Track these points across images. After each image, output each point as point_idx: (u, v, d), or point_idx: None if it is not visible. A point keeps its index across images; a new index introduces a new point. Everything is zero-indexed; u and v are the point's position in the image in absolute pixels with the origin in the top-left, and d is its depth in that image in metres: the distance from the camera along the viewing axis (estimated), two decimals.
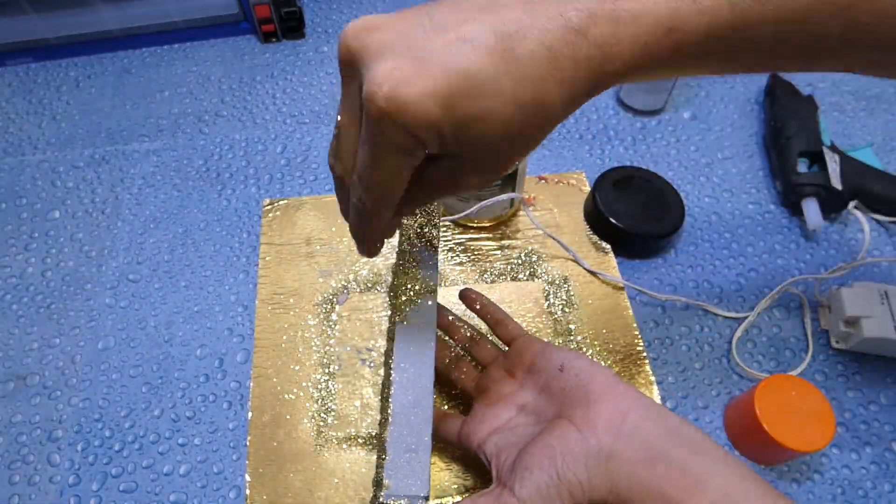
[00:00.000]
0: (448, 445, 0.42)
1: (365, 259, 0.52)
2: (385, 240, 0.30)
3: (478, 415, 0.37)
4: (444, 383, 0.44)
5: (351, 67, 0.23)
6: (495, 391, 0.38)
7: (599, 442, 0.29)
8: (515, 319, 0.42)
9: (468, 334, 0.42)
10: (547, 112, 0.23)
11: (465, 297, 0.43)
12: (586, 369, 0.33)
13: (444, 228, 0.54)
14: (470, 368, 0.41)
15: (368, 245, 0.30)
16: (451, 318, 0.42)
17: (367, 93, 0.21)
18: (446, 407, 0.45)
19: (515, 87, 0.22)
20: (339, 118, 0.25)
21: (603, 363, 0.46)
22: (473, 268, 0.52)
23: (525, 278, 0.51)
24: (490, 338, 0.42)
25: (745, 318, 0.49)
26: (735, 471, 0.28)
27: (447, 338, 0.42)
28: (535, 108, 0.22)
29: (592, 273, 0.51)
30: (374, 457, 0.42)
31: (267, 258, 0.52)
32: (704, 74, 0.31)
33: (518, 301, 0.50)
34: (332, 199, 0.56)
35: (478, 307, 0.42)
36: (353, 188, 0.26)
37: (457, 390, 0.43)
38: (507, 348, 0.40)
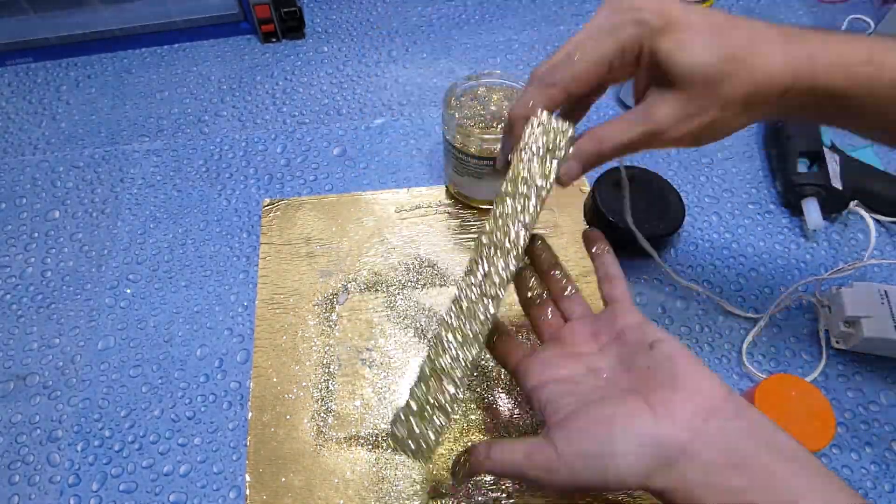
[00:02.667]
0: (498, 364, 0.42)
1: (365, 259, 0.52)
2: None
3: (544, 358, 0.34)
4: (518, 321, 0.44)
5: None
6: (571, 345, 0.35)
7: (675, 434, 0.27)
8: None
9: (563, 284, 0.38)
10: (751, 74, 0.29)
11: (590, 237, 0.39)
12: (679, 354, 0.30)
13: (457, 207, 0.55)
14: (555, 316, 0.37)
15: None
16: (552, 262, 0.38)
17: None
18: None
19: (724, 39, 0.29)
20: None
21: None
22: None
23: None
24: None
25: (745, 318, 0.49)
26: (831, 485, 0.25)
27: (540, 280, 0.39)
28: (742, 61, 0.29)
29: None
30: (375, 457, 0.43)
31: (267, 258, 0.52)
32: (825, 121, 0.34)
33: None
34: (332, 198, 0.56)
35: (594, 250, 0.38)
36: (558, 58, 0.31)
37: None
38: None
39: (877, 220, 0.54)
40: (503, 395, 0.45)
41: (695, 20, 0.29)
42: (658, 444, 0.27)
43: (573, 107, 0.36)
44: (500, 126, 0.49)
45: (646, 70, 0.31)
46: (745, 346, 0.48)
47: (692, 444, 0.26)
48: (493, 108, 0.50)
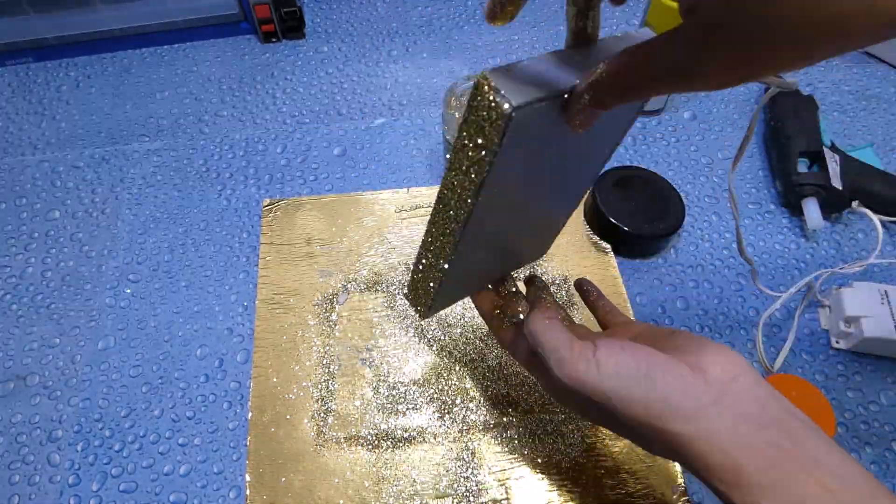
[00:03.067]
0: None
1: (365, 259, 0.52)
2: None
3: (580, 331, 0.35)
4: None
5: None
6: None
7: (708, 384, 0.27)
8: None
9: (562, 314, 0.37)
10: None
11: (583, 286, 0.40)
12: (697, 336, 0.31)
13: None
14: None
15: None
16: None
17: None
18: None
19: None
20: None
21: None
22: None
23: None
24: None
25: (745, 318, 0.49)
26: (846, 456, 0.26)
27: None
28: None
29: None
30: (374, 457, 0.43)
31: (267, 258, 0.52)
32: None
33: None
34: (333, 198, 0.56)
35: (591, 298, 0.39)
36: None
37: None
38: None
39: (877, 220, 0.54)
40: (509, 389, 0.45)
41: None
42: (690, 389, 0.27)
43: None
44: None
45: None
46: (745, 346, 0.48)
47: (723, 396, 0.27)
48: None
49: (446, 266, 0.31)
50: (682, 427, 0.27)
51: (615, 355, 0.28)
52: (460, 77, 0.51)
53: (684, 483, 0.41)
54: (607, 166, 0.55)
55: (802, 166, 0.55)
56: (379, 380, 0.46)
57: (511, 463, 0.43)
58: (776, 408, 0.27)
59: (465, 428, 0.44)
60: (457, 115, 0.48)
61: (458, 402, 0.45)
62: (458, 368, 0.47)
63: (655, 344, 0.30)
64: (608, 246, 0.53)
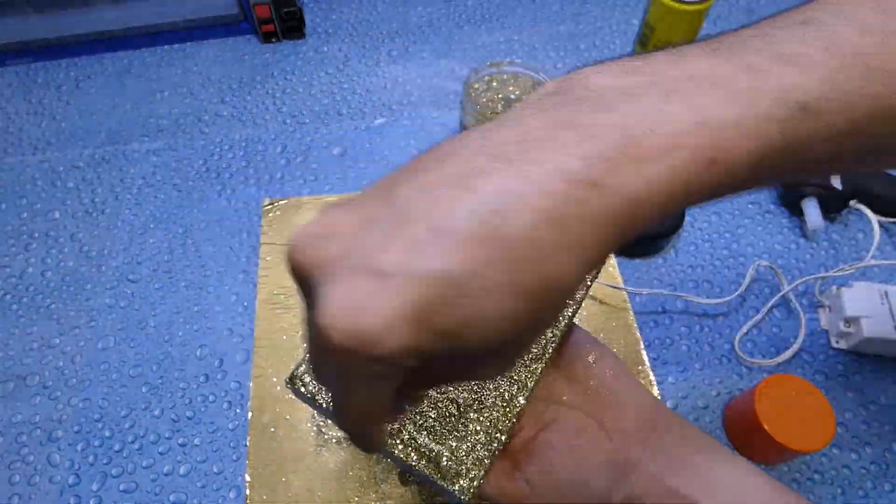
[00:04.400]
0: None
1: None
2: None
3: None
4: None
5: (305, 287, 0.19)
6: None
7: (628, 453, 0.29)
8: None
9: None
10: (560, 288, 0.18)
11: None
12: (616, 367, 0.32)
13: None
14: None
15: (372, 443, 0.25)
16: None
17: (320, 326, 0.17)
18: None
19: (511, 276, 0.17)
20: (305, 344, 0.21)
21: None
22: None
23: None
24: None
25: (745, 317, 0.49)
26: (742, 468, 0.29)
27: None
28: (543, 289, 0.17)
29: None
30: (375, 457, 0.43)
31: (267, 258, 0.52)
32: (753, 191, 0.29)
33: None
34: (333, 199, 0.56)
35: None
36: (335, 416, 0.23)
37: None
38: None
39: (877, 221, 0.54)
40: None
41: None
42: (616, 464, 0.29)
43: None
44: None
45: None
46: (745, 346, 0.48)
47: (643, 456, 0.29)
48: (512, 96, 0.50)
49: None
50: (613, 498, 0.29)
51: (545, 476, 0.29)
52: (461, 77, 0.51)
53: None
54: None
55: None
56: None
57: None
58: (684, 446, 0.29)
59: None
60: (476, 100, 0.48)
61: None
62: None
63: (576, 373, 0.32)
64: None
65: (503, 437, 0.30)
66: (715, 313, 0.50)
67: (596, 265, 0.18)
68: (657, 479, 0.28)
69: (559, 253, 0.17)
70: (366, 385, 0.19)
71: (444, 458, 0.29)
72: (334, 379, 0.20)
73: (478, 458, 0.29)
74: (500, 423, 0.30)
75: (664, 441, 0.29)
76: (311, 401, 0.30)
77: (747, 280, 0.51)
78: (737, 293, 0.51)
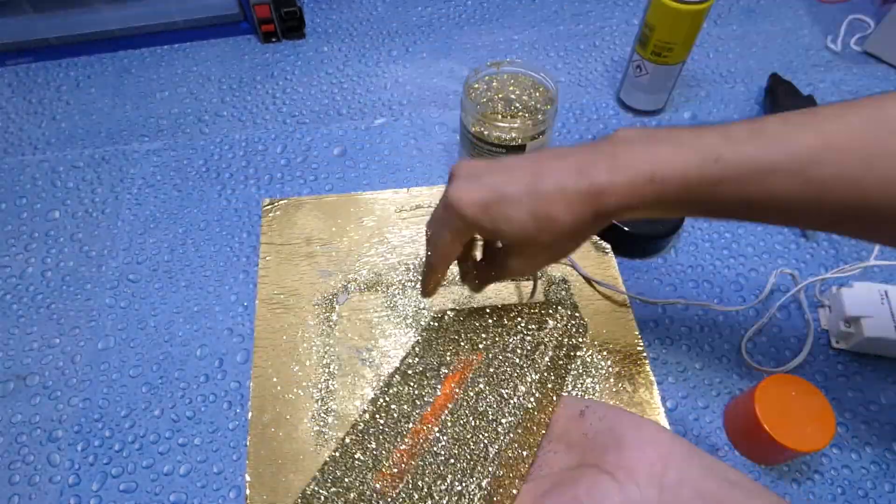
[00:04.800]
0: None
1: (365, 259, 0.52)
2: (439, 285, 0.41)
3: None
4: None
5: (450, 179, 0.35)
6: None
7: (644, 495, 0.27)
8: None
9: None
10: (555, 224, 0.31)
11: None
12: (610, 411, 0.32)
13: None
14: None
15: (428, 288, 0.40)
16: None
17: (447, 194, 0.34)
18: None
19: (532, 203, 0.31)
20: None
21: (603, 363, 0.46)
22: None
23: (525, 279, 0.51)
24: None
25: (745, 318, 0.49)
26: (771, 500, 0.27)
27: None
28: (547, 219, 0.31)
29: (589, 281, 0.51)
30: None
31: (267, 258, 0.52)
32: (692, 217, 0.39)
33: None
34: (333, 198, 0.56)
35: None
36: (427, 246, 0.37)
37: None
38: None
39: None
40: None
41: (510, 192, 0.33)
42: (633, 503, 0.27)
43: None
44: (519, 114, 0.51)
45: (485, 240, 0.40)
46: (745, 346, 0.48)
47: (662, 497, 0.27)
48: (512, 96, 0.50)
49: None
50: None
51: None
52: (461, 77, 0.51)
53: None
54: None
55: None
56: (379, 380, 0.46)
57: None
58: (716, 486, 0.28)
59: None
60: (476, 100, 0.49)
61: None
62: None
63: (568, 432, 0.33)
64: (608, 246, 0.53)
65: None
66: (715, 313, 0.50)
67: (577, 225, 0.31)
68: None
69: (559, 203, 0.31)
70: (448, 230, 0.34)
71: None
72: (438, 225, 0.35)
73: None
74: None
75: (690, 479, 0.28)
76: None
77: (748, 280, 0.51)
78: (737, 293, 0.51)
